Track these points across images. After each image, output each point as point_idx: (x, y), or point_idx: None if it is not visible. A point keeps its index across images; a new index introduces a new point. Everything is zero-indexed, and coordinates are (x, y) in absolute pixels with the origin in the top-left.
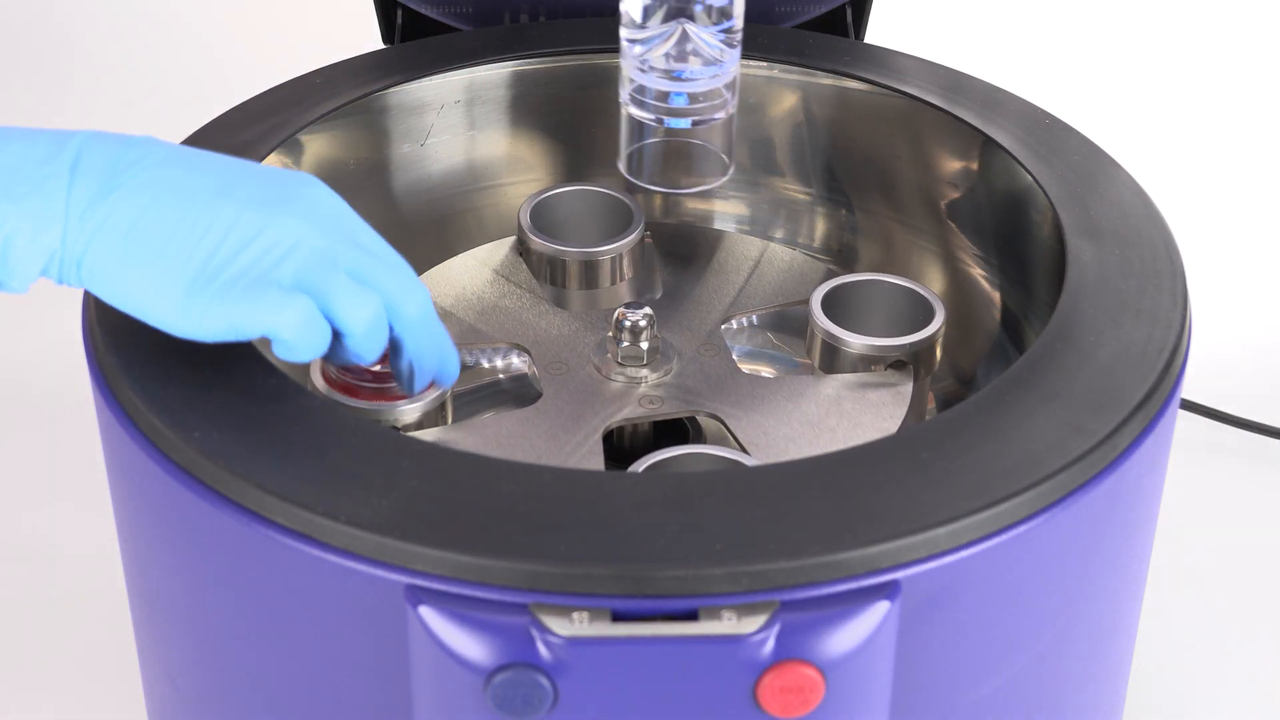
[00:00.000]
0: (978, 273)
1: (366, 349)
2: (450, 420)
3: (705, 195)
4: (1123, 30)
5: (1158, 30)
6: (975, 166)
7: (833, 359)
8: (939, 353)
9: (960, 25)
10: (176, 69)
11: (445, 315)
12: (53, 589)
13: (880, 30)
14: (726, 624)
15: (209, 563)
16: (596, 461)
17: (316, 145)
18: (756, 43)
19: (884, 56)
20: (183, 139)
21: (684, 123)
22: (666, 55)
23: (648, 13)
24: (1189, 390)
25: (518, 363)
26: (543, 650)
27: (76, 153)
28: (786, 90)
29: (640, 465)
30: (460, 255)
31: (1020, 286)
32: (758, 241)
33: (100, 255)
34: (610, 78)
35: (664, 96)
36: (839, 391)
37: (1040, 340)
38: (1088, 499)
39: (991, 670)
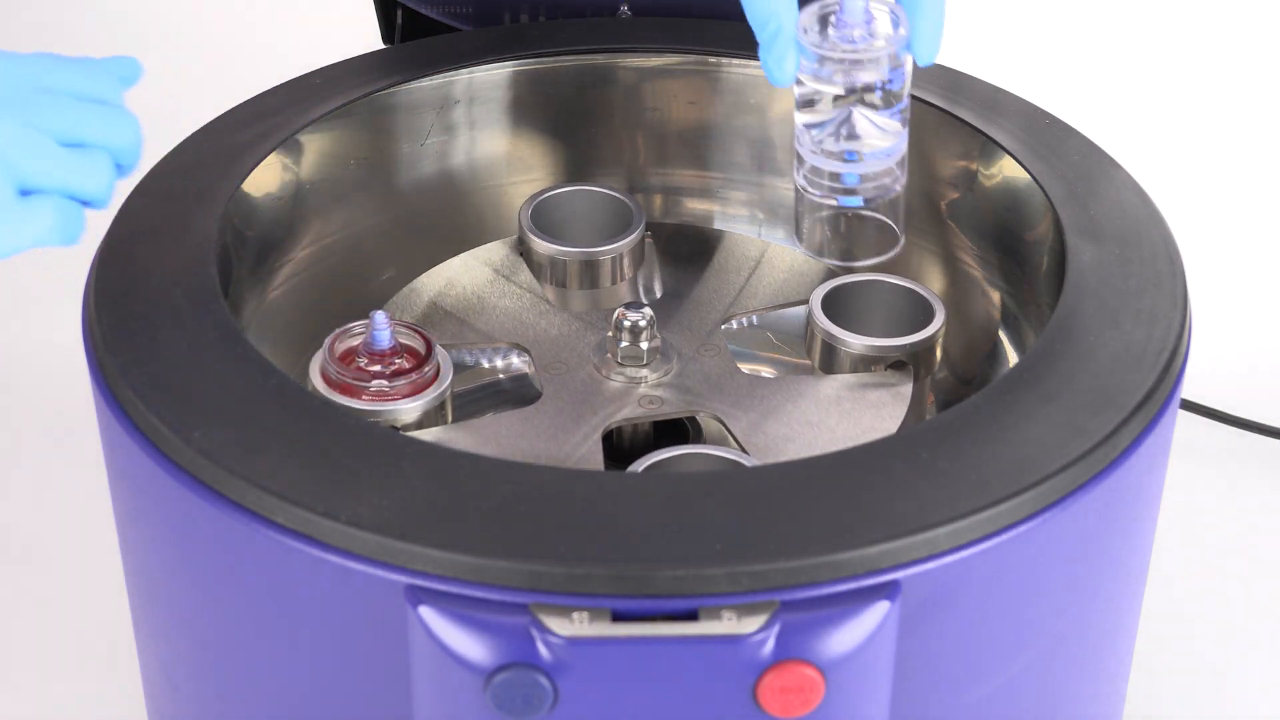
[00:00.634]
0: (978, 273)
1: (108, 199)
2: (450, 420)
3: (705, 195)
4: (1123, 30)
5: (1158, 30)
6: (975, 166)
7: (832, 359)
8: (939, 353)
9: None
10: (177, 69)
11: (445, 315)
12: (53, 589)
13: None
14: (726, 624)
15: (209, 563)
16: (596, 461)
17: (316, 145)
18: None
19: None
20: (183, 139)
21: (857, 200)
22: (839, 137)
23: (823, 98)
24: (1189, 390)
25: (518, 363)
26: (543, 650)
27: None
28: (787, 90)
29: (640, 465)
30: (460, 255)
31: (1020, 286)
32: (758, 241)
33: None
34: (610, 78)
35: (837, 176)
36: (839, 391)
37: (1040, 340)
38: (1088, 499)
39: (991, 670)
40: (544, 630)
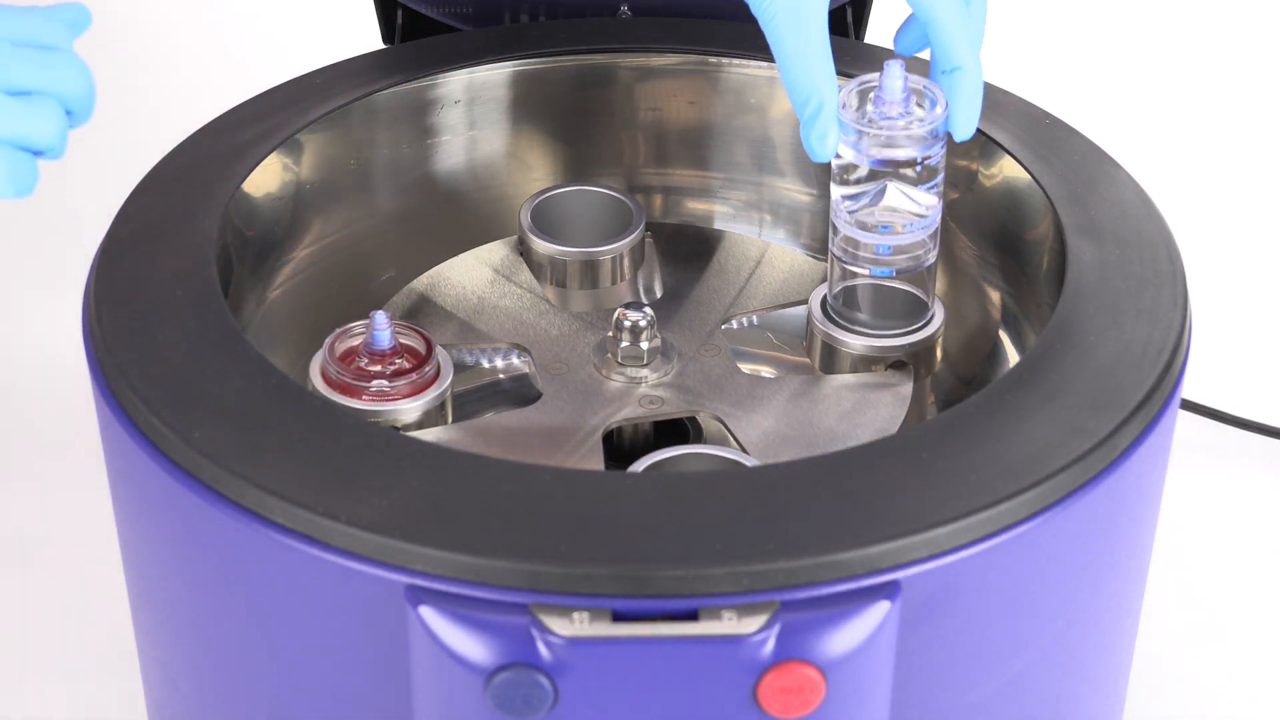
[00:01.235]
0: (978, 273)
1: (62, 147)
2: (450, 420)
3: (705, 195)
4: (1123, 30)
5: (1158, 30)
6: (975, 166)
7: (832, 359)
8: (939, 353)
9: None
10: (177, 69)
11: (445, 315)
12: (53, 589)
13: (880, 30)
14: (727, 624)
15: (209, 563)
16: (596, 461)
17: (316, 145)
18: (757, 43)
19: (884, 56)
20: (183, 139)
21: (888, 270)
22: (874, 209)
23: (860, 171)
24: (1189, 390)
25: (518, 363)
26: (543, 650)
27: None
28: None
29: (640, 465)
30: (460, 255)
31: (1020, 286)
32: (758, 241)
33: None
34: (610, 78)
35: (870, 247)
36: (839, 392)
37: (1040, 340)
38: (1088, 499)
39: (992, 670)
40: (544, 630)
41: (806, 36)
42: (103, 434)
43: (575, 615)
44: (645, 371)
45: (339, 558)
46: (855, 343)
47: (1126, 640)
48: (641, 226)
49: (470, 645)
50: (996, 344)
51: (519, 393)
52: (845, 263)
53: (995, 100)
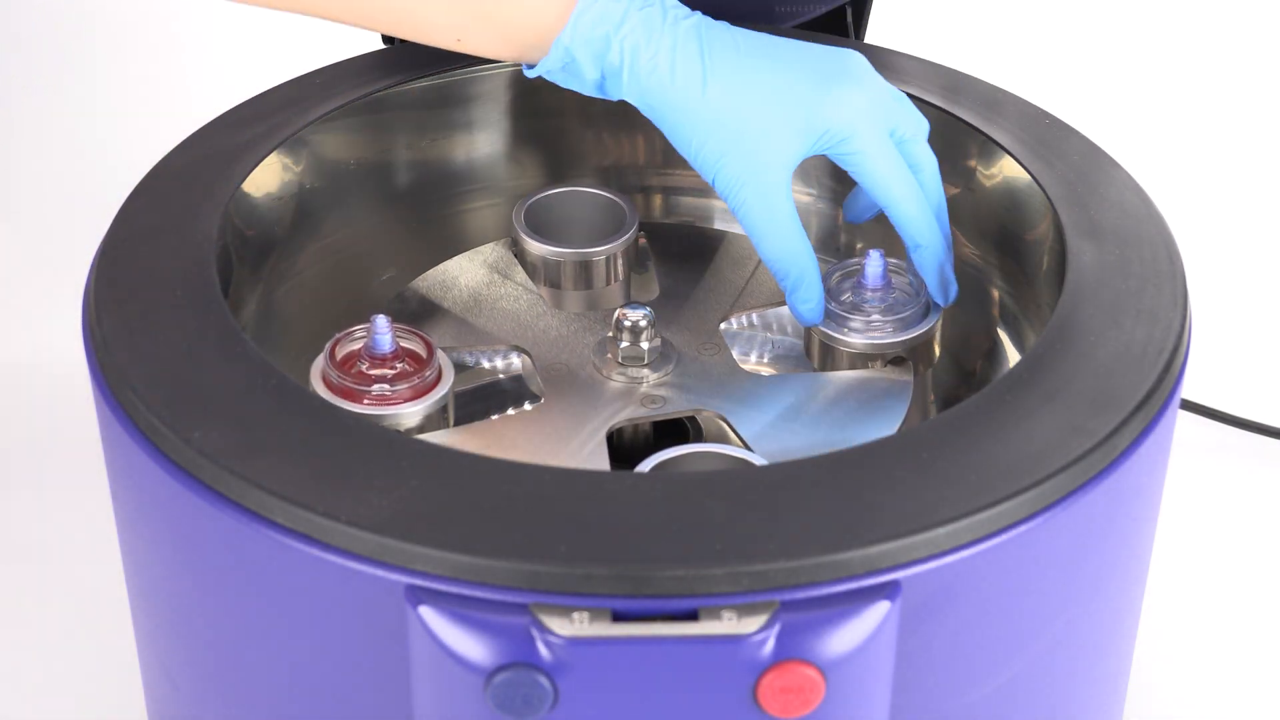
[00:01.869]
0: (977, 272)
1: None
2: (452, 423)
3: (704, 195)
4: (1123, 30)
5: (1158, 30)
6: (975, 166)
7: (831, 356)
8: (937, 348)
9: (960, 25)
10: (177, 69)
11: (445, 317)
12: (53, 589)
13: (880, 30)
14: (726, 624)
15: (209, 563)
16: (602, 462)
17: (316, 145)
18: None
19: (884, 56)
20: (183, 139)
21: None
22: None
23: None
24: (1189, 390)
25: (518, 364)
26: (543, 650)
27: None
28: None
29: (647, 465)
30: (459, 256)
31: (1020, 286)
32: None
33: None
34: None
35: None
36: (840, 388)
37: (1040, 340)
38: (1088, 499)
39: (992, 670)
40: (544, 630)
41: (774, 213)
42: (103, 434)
43: (575, 615)
44: (646, 371)
45: (339, 558)
46: (854, 340)
47: (1126, 640)
48: (635, 227)
49: (470, 645)
50: (996, 343)
51: (520, 394)
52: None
53: (995, 100)
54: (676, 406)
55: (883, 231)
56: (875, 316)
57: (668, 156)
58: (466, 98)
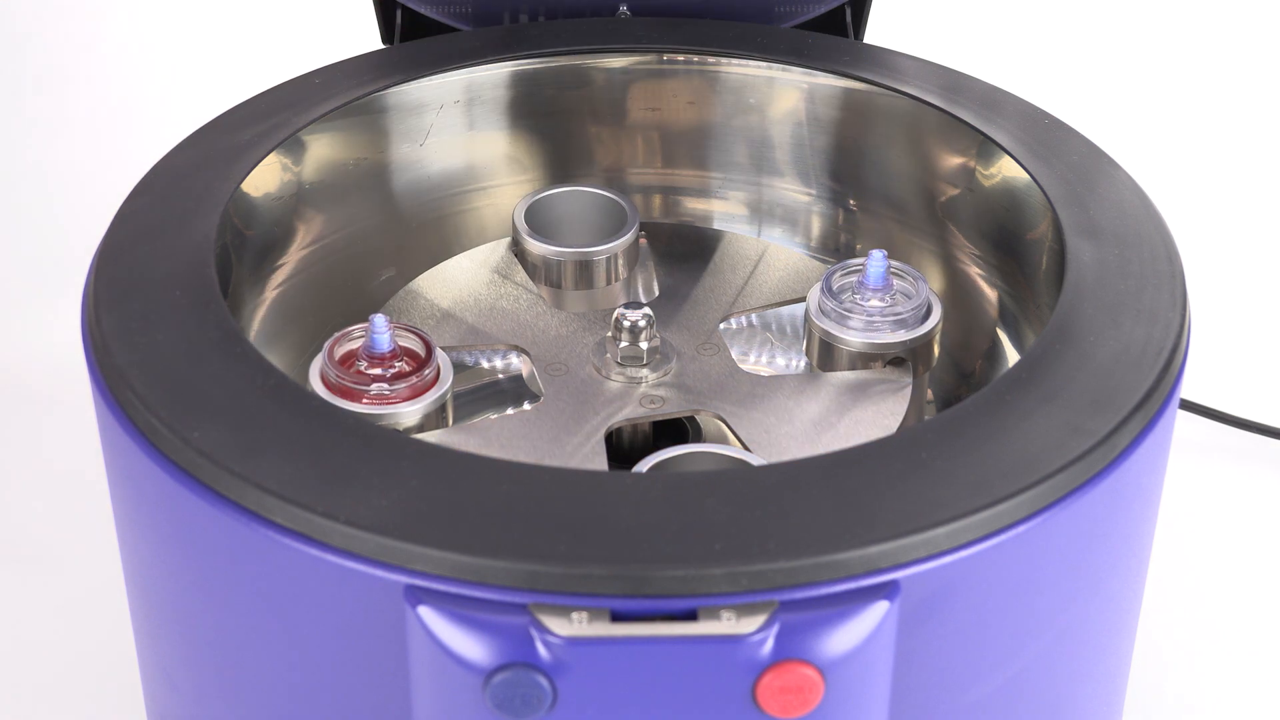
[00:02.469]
0: (977, 272)
1: None
2: (451, 422)
3: (704, 195)
4: (1123, 30)
5: (1158, 30)
6: (975, 166)
7: (831, 356)
8: (937, 349)
9: (960, 25)
10: (177, 69)
11: (444, 317)
12: (53, 589)
13: (880, 30)
14: (726, 624)
15: (208, 563)
16: (600, 462)
17: (316, 145)
18: (756, 43)
19: (884, 57)
20: (183, 139)
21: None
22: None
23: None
24: (1189, 390)
25: (517, 363)
26: (542, 650)
27: None
28: (786, 90)
29: (645, 465)
30: (458, 256)
31: (1020, 286)
32: (757, 241)
33: None
34: (610, 78)
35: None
36: (839, 389)
37: (1040, 340)
38: (1088, 499)
39: (991, 670)
40: (543, 630)
41: None
42: (102, 434)
43: (574, 615)
44: (645, 371)
45: (338, 558)
46: (853, 339)
47: (1126, 640)
48: (636, 227)
49: (469, 645)
50: (996, 343)
51: (519, 394)
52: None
53: (995, 100)
54: (675, 406)
55: (883, 231)
56: (875, 317)
57: (668, 156)
58: (466, 97)
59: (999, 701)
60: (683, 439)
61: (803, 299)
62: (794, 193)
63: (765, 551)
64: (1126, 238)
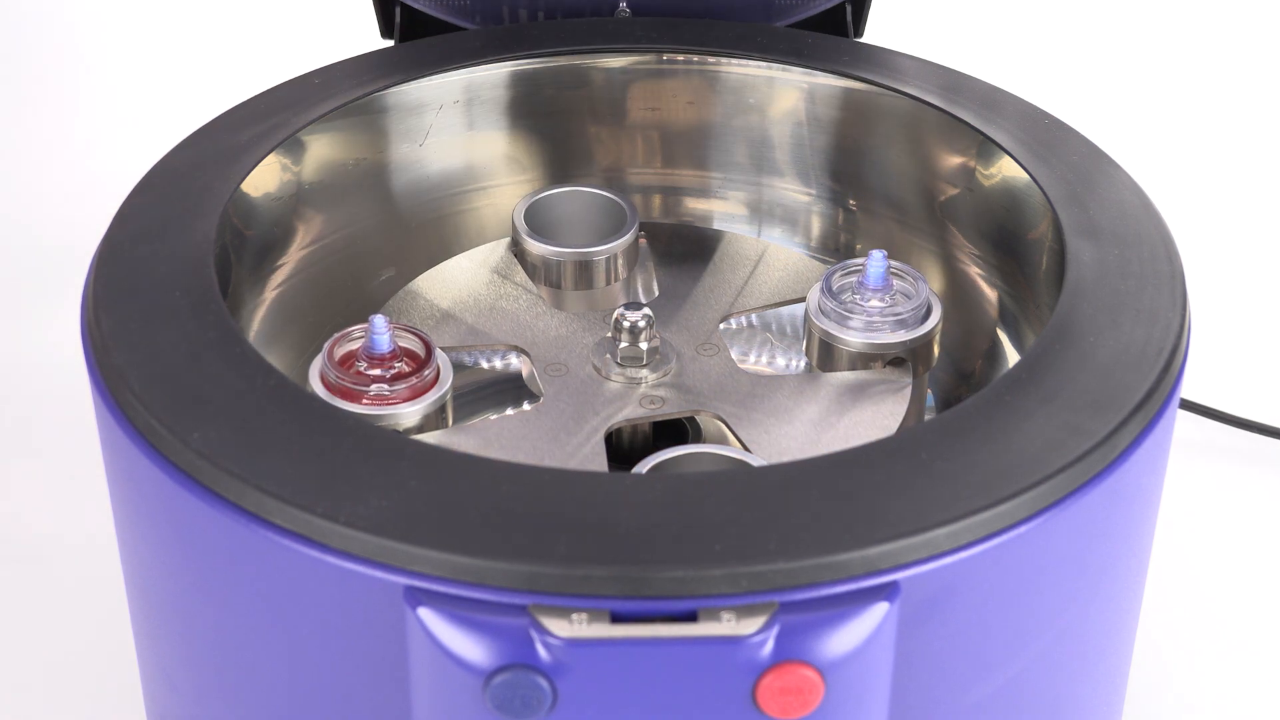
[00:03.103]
0: (977, 272)
1: None
2: (450, 423)
3: (704, 195)
4: (1123, 30)
5: (1158, 30)
6: (974, 166)
7: (831, 357)
8: (937, 349)
9: (960, 25)
10: (177, 69)
11: (444, 317)
12: (53, 589)
13: (879, 30)
14: (725, 625)
15: (208, 564)
16: (600, 462)
17: (316, 145)
18: (756, 43)
19: (883, 57)
20: (183, 139)
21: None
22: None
23: None
24: (1189, 390)
25: (517, 364)
26: (542, 651)
27: None
28: (786, 90)
29: (645, 465)
30: (458, 256)
31: (1020, 286)
32: (757, 241)
33: None
34: (609, 77)
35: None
36: (839, 389)
37: (1040, 340)
38: (1087, 499)
39: (991, 671)
40: (543, 631)
41: None
42: (101, 435)
43: (574, 616)
44: (645, 372)
45: (337, 559)
46: (853, 340)
47: (1126, 640)
48: (635, 227)
49: (469, 646)
50: (996, 343)
51: (519, 394)
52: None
53: (995, 100)
54: (675, 407)
55: (883, 231)
56: (875, 317)
57: (668, 156)
58: (466, 97)
59: (999, 702)
60: (683, 439)
61: (803, 299)
62: (794, 193)
63: (765, 552)
64: (1126, 238)
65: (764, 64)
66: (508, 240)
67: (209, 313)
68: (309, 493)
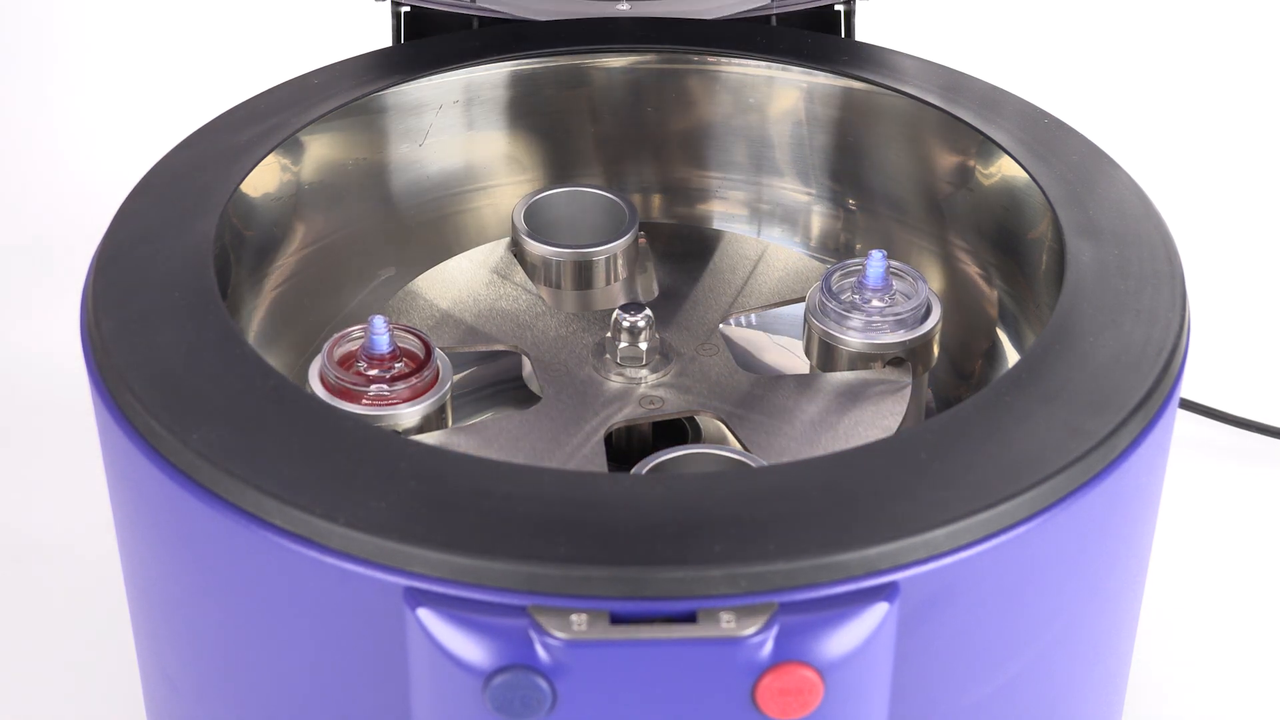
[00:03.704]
0: (976, 272)
1: None
2: (450, 423)
3: (704, 195)
4: (1123, 30)
5: (1158, 30)
6: (974, 166)
7: (831, 357)
8: (936, 349)
9: (960, 25)
10: (176, 68)
11: (444, 317)
12: (53, 589)
13: (878, 30)
14: (725, 626)
15: (207, 564)
16: (599, 463)
17: (316, 145)
18: (756, 43)
19: (883, 56)
20: (183, 139)
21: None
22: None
23: None
24: (1189, 390)
25: (517, 364)
26: (541, 652)
27: None
28: (786, 90)
29: (644, 466)
30: (458, 256)
31: (1019, 286)
32: (757, 241)
33: None
34: (609, 77)
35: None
36: (838, 389)
37: (1039, 340)
38: (1087, 499)
39: (990, 672)
40: (542, 632)
41: None
42: (101, 435)
43: (573, 617)
44: (644, 372)
45: (337, 560)
46: (853, 340)
47: (1126, 640)
48: (635, 227)
49: (468, 647)
50: (996, 343)
51: (518, 394)
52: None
53: (994, 100)
54: (675, 407)
55: (883, 231)
56: (875, 317)
57: (667, 156)
58: (465, 97)
59: (999, 703)
60: (682, 440)
61: (802, 299)
62: (793, 192)
63: (765, 553)
64: (1126, 238)
65: (764, 64)
66: (507, 240)
67: (209, 313)
68: (308, 493)
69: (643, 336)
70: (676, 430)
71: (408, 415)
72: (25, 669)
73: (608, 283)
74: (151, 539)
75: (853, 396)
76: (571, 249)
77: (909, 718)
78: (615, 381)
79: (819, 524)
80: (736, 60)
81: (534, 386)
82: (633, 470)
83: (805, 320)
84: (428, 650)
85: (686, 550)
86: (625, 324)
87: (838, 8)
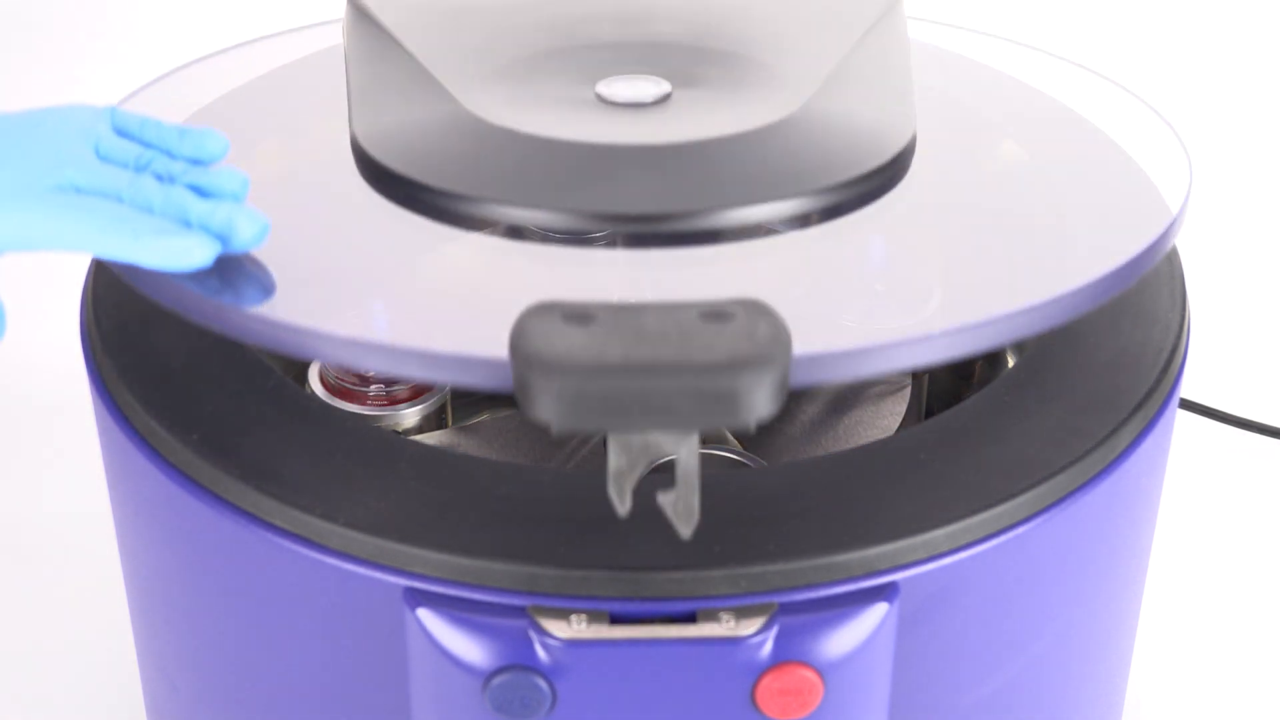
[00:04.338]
0: None
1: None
2: (450, 423)
3: None
4: (1122, 30)
5: (1158, 30)
6: None
7: None
8: None
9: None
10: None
11: None
12: (53, 589)
13: None
14: (725, 626)
15: (207, 565)
16: (599, 463)
17: None
18: None
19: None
20: None
21: None
22: None
23: None
24: (1189, 390)
25: None
26: (541, 653)
27: None
28: None
29: None
30: None
31: None
32: None
33: None
34: None
35: None
36: (839, 389)
37: (1039, 340)
38: (1087, 500)
39: (990, 671)
40: (542, 633)
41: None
42: (101, 436)
43: (573, 618)
44: None
45: (337, 560)
46: None
47: (1126, 640)
48: None
49: (468, 648)
50: None
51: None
52: None
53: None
54: None
55: None
56: None
57: None
58: None
59: (999, 703)
60: None
61: None
62: None
63: (764, 553)
64: None
65: None
66: None
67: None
68: (308, 493)
69: None
70: None
71: (408, 415)
72: (25, 668)
73: None
74: (152, 539)
75: (852, 395)
76: None
77: (909, 718)
78: None
79: (819, 524)
80: None
81: None
82: None
83: None
84: (428, 650)
85: (686, 550)
86: None
87: None
